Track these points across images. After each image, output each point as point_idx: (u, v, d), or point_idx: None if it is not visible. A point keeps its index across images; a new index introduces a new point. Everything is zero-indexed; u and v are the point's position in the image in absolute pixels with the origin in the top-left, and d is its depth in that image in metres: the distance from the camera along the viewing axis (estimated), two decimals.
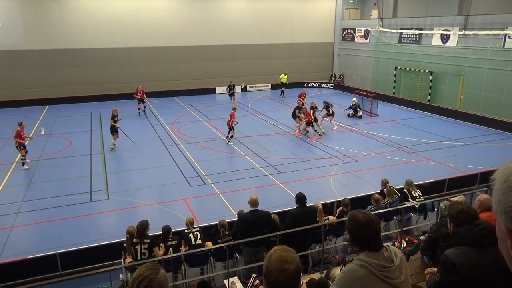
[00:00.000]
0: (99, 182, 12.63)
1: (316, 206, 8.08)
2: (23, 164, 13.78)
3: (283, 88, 27.87)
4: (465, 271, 2.54)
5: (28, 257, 8.07)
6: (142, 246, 7.03)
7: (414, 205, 9.21)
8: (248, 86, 29.44)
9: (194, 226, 7.90)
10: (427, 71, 22.76)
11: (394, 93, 25.33)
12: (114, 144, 15.72)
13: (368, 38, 27.88)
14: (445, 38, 21.71)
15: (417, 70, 23.45)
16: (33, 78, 24.27)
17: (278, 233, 6.99)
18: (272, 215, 7.83)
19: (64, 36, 24.47)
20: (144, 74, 26.42)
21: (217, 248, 7.44)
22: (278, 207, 9.69)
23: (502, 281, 1.90)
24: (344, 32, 30.44)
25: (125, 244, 7.38)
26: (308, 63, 31.03)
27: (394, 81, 25.24)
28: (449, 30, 21.46)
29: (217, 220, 8.10)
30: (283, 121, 20.09)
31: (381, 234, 2.55)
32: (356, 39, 29.37)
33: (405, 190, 9.59)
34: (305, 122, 17.59)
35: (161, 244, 7.43)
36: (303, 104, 18.36)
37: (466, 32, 20.31)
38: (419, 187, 10.01)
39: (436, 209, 8.56)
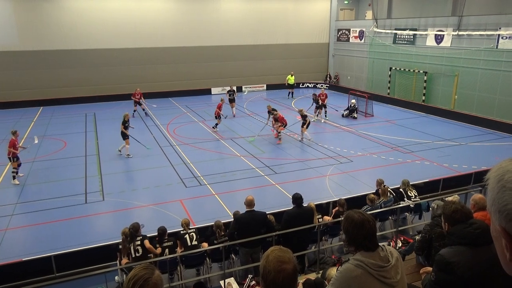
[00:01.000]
0: (94, 184, 12.56)
1: (309, 206, 8.09)
2: (14, 177, 12.59)
3: (291, 90, 27.04)
4: (460, 270, 2.56)
5: (23, 259, 8.02)
6: (136, 243, 7.18)
7: (409, 205, 9.27)
8: (243, 87, 29.39)
9: (190, 227, 7.89)
10: (421, 71, 22.88)
11: (389, 94, 25.44)
12: (126, 149, 14.95)
13: (363, 39, 27.97)
14: (439, 38, 21.83)
15: (411, 70, 23.56)
16: (27, 79, 24.11)
17: (274, 233, 7.00)
18: (268, 216, 7.84)
19: (59, 37, 24.33)
20: (139, 75, 26.34)
21: (213, 249, 7.43)
22: (274, 207, 9.70)
23: (496, 279, 1.92)
24: (339, 33, 30.52)
25: (120, 246, 7.40)
26: (303, 64, 31.05)
27: (389, 82, 25.34)
28: (443, 31, 21.59)
29: (213, 221, 8.09)
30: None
31: (377, 234, 2.56)
32: (351, 40, 29.47)
33: (401, 190, 9.64)
34: (283, 125, 16.86)
35: (156, 245, 7.43)
36: (273, 109, 17.67)
37: (460, 33, 20.44)
38: (414, 187, 10.06)
39: (430, 208, 8.60)
